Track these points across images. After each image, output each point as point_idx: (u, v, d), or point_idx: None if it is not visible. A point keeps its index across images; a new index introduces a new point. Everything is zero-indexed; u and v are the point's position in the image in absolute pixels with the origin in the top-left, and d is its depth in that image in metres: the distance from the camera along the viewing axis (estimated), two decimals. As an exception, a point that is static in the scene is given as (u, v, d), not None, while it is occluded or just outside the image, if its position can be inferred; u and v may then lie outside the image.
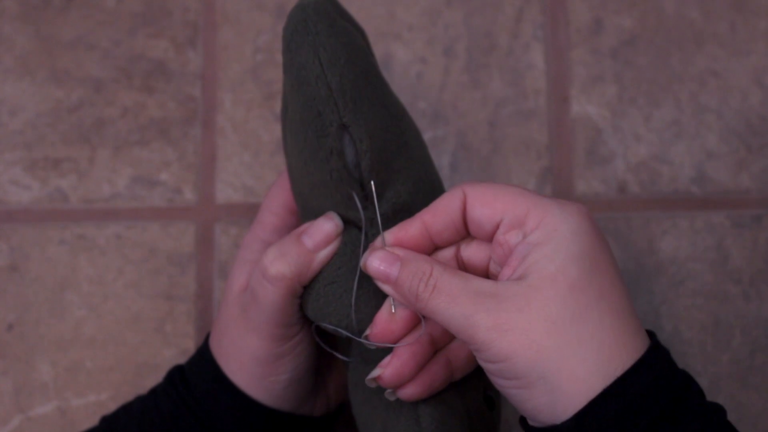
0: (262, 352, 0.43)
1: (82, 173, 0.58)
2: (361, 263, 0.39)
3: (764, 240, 0.57)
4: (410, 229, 0.39)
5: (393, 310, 0.40)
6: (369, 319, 0.40)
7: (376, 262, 0.39)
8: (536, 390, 0.35)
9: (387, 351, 0.40)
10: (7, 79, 0.59)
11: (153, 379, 0.56)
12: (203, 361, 0.46)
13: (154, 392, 0.47)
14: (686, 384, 0.36)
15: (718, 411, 0.36)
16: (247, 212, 0.58)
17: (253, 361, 0.44)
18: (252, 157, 0.58)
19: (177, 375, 0.46)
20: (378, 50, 0.59)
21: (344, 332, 0.41)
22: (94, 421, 0.55)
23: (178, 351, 0.56)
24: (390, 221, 0.40)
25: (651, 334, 0.37)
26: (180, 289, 0.57)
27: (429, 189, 0.42)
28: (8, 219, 0.58)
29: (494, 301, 0.36)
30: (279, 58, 0.59)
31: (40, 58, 0.60)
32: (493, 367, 0.36)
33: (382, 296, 0.40)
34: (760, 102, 0.58)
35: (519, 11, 0.60)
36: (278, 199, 0.46)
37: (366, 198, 0.40)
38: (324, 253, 0.41)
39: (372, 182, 0.39)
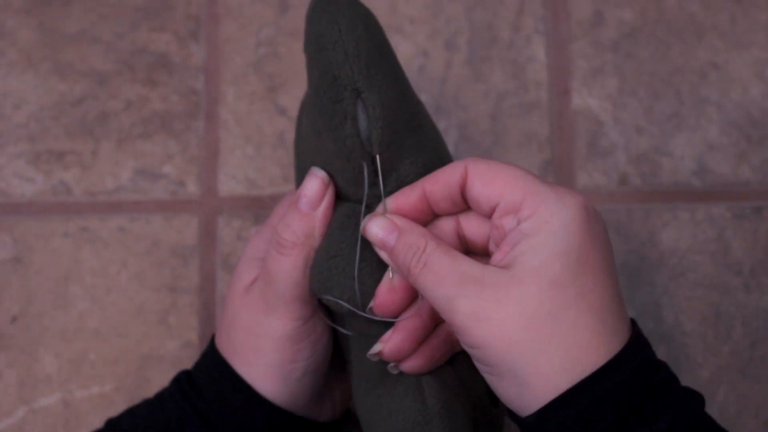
0: (282, 331, 0.43)
1: (85, 166, 0.58)
2: (361, 227, 0.40)
3: (765, 231, 0.57)
4: (411, 195, 0.40)
5: (391, 276, 0.40)
6: (371, 292, 0.41)
7: (375, 228, 0.39)
8: (506, 381, 0.36)
9: (388, 326, 0.40)
10: (10, 73, 0.60)
11: (157, 370, 0.56)
12: (211, 361, 0.46)
13: (160, 395, 0.46)
14: (661, 381, 0.36)
15: (692, 405, 0.36)
16: (250, 205, 0.58)
17: (272, 345, 0.43)
18: (255, 150, 0.59)
19: (184, 378, 0.46)
20: (380, 43, 0.59)
21: (346, 305, 0.41)
22: (98, 412, 0.55)
23: (181, 343, 0.56)
24: None
25: (633, 324, 0.37)
26: (183, 281, 0.57)
27: None
28: (12, 211, 0.58)
29: (476, 288, 0.36)
30: (281, 51, 0.60)
31: (43, 52, 0.60)
32: (471, 352, 0.37)
33: (385, 269, 0.40)
34: (761, 94, 0.59)
35: (520, 4, 0.60)
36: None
37: (375, 173, 0.40)
38: (321, 209, 0.42)
39: (378, 156, 0.40)
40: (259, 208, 0.58)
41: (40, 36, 0.60)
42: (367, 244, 0.41)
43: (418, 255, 0.38)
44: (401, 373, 0.41)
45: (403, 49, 0.59)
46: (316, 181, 0.42)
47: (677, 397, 0.36)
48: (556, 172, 0.58)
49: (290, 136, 0.59)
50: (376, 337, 0.41)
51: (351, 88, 0.39)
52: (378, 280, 0.41)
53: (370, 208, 0.41)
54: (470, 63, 0.59)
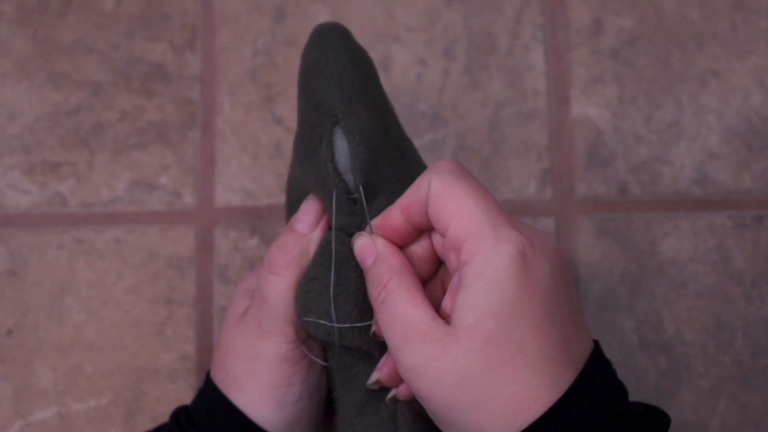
0: (276, 353, 0.43)
1: (80, 177, 0.58)
2: (352, 242, 0.41)
3: (766, 241, 0.56)
4: (392, 214, 0.40)
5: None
6: (347, 315, 0.41)
7: (357, 246, 0.40)
8: (452, 431, 0.36)
9: (363, 357, 0.40)
10: (5, 83, 0.59)
11: (153, 383, 0.56)
12: (206, 394, 0.45)
13: (158, 430, 0.46)
14: (613, 417, 0.35)
15: None
16: (247, 215, 0.58)
17: (267, 367, 0.43)
18: (251, 160, 0.58)
19: (182, 413, 0.46)
20: (377, 52, 0.59)
21: (321, 328, 0.41)
22: (94, 426, 0.55)
23: (177, 355, 0.56)
24: (371, 228, 0.41)
25: (594, 349, 0.37)
26: (180, 293, 0.57)
27: None
28: (7, 223, 0.58)
29: (420, 342, 0.35)
30: (278, 60, 0.59)
31: (38, 62, 0.59)
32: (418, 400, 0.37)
33: (361, 294, 0.40)
34: (761, 102, 0.58)
35: (518, 12, 0.60)
36: None
37: (352, 202, 0.41)
38: (317, 234, 0.43)
39: (359, 182, 0.40)
40: (256, 219, 0.57)
41: (34, 46, 0.60)
42: (342, 270, 0.41)
43: (379, 290, 0.38)
44: (378, 405, 0.41)
45: (400, 58, 0.59)
46: (313, 205, 0.43)
47: (633, 428, 0.35)
48: (555, 182, 0.58)
49: (287, 145, 0.58)
50: (351, 367, 0.41)
51: (331, 114, 0.39)
52: (354, 305, 0.41)
53: (349, 236, 0.41)
54: (468, 71, 0.59)
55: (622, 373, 0.55)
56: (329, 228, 0.43)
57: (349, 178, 0.40)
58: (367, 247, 0.40)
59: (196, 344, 0.56)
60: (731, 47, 0.59)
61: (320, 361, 0.44)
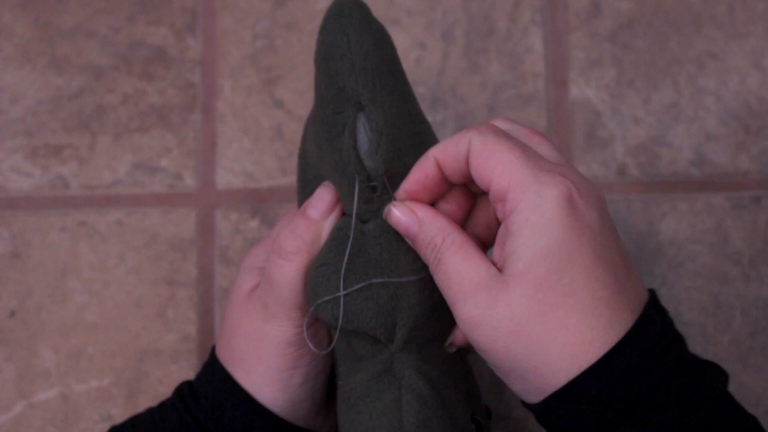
0: (282, 337, 0.43)
1: (82, 160, 0.58)
2: (384, 213, 0.40)
3: (763, 221, 0.57)
4: (426, 167, 0.39)
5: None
6: (356, 304, 0.40)
7: (398, 213, 0.39)
8: (511, 378, 0.37)
9: (372, 334, 0.40)
10: (7, 67, 0.60)
11: (155, 364, 0.56)
12: (211, 371, 0.45)
13: (162, 405, 0.46)
14: (671, 363, 0.35)
15: (705, 387, 0.35)
16: (248, 197, 0.58)
17: (273, 350, 0.43)
18: (252, 143, 0.59)
19: (186, 388, 0.46)
20: (377, 35, 0.59)
21: (328, 315, 0.41)
22: (96, 406, 0.55)
23: (179, 336, 0.56)
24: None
25: (650, 297, 0.37)
26: (181, 275, 0.57)
27: None
28: (9, 206, 0.58)
29: (474, 294, 0.36)
30: (278, 44, 0.60)
31: (40, 46, 0.60)
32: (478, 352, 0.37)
33: (369, 279, 0.40)
34: (759, 84, 0.58)
35: (517, -5, 0.60)
36: None
37: (371, 189, 0.40)
38: (330, 221, 0.42)
39: (383, 168, 0.39)
40: (256, 201, 0.58)
41: (36, 30, 0.60)
42: (355, 257, 0.40)
43: (435, 252, 0.38)
44: (384, 390, 0.41)
45: (400, 41, 0.59)
46: (328, 192, 0.42)
47: (689, 379, 0.35)
48: (554, 163, 0.58)
49: (288, 128, 0.58)
50: (359, 350, 0.41)
51: (354, 101, 0.39)
52: (361, 290, 0.40)
53: (364, 222, 0.41)
54: (467, 54, 0.59)
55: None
56: (343, 215, 0.42)
57: (371, 165, 0.39)
58: (408, 214, 0.39)
59: (197, 325, 0.56)
60: (729, 30, 0.59)
61: (317, 350, 0.43)
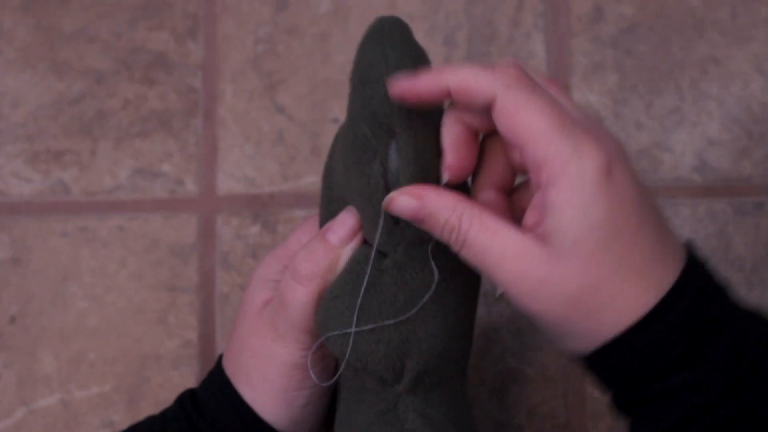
0: (288, 359, 0.42)
1: (83, 165, 0.58)
2: (383, 206, 0.38)
3: (766, 227, 0.57)
4: (457, 130, 0.38)
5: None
6: (366, 344, 0.40)
7: (400, 202, 0.38)
8: (563, 339, 0.37)
9: (380, 375, 0.40)
10: (8, 72, 0.59)
11: (156, 370, 0.56)
12: (216, 383, 0.45)
13: (163, 414, 0.46)
14: (715, 315, 0.36)
15: (751, 334, 0.36)
16: (249, 203, 0.58)
17: (279, 371, 0.43)
18: (253, 148, 0.58)
19: (188, 398, 0.45)
20: (378, 40, 0.59)
21: (337, 349, 0.40)
22: (97, 412, 0.55)
23: (180, 342, 0.56)
24: (407, 251, 0.40)
25: (688, 252, 0.37)
26: (182, 280, 0.57)
27: None
28: (10, 211, 0.58)
29: (518, 264, 0.36)
30: (279, 48, 0.59)
31: (41, 51, 0.60)
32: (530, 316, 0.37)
33: (381, 319, 0.40)
34: (762, 89, 0.58)
35: (519, 0, 0.60)
36: (310, 234, 0.45)
37: (395, 220, 0.39)
38: (349, 248, 0.41)
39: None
40: (258, 207, 0.58)
41: (37, 35, 0.60)
42: (368, 292, 0.40)
43: (455, 235, 0.37)
44: (386, 430, 0.41)
45: (402, 46, 0.59)
46: (351, 218, 0.41)
47: (734, 328, 0.36)
48: (557, 169, 0.58)
49: (289, 133, 0.58)
50: (364, 383, 0.41)
51: (387, 127, 0.38)
52: (372, 331, 0.40)
53: (383, 255, 0.40)
54: (469, 59, 0.59)
55: (623, 359, 0.56)
56: (363, 242, 0.41)
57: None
58: (410, 199, 0.38)
59: (198, 331, 0.56)
60: (731, 34, 0.59)
61: (320, 382, 0.43)
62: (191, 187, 0.58)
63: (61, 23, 0.60)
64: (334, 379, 0.43)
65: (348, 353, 0.40)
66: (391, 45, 0.38)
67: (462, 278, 0.41)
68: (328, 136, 0.58)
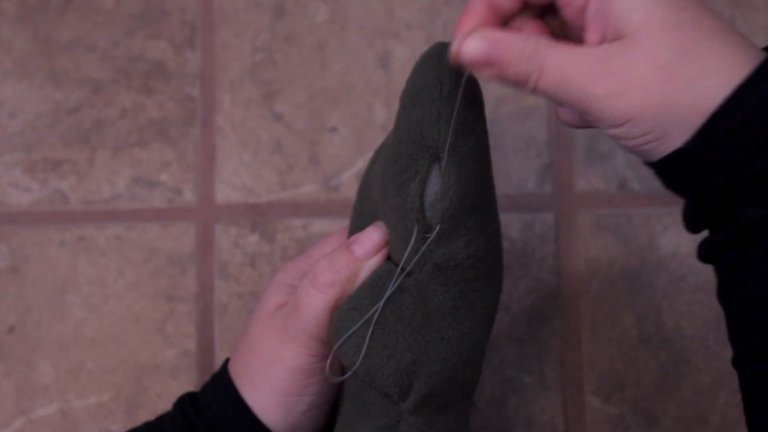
0: (294, 363, 0.42)
1: (81, 174, 0.58)
2: (453, 50, 0.37)
3: None
4: (477, 5, 0.38)
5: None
6: (377, 358, 0.40)
7: (475, 43, 0.36)
8: (671, 137, 0.35)
9: (386, 391, 0.40)
10: (6, 81, 0.59)
11: (154, 379, 0.56)
12: (219, 384, 0.45)
13: (161, 418, 0.46)
14: None
15: None
16: (247, 212, 0.58)
17: (282, 374, 0.43)
18: (251, 157, 0.58)
19: (187, 400, 0.45)
20: (376, 49, 0.59)
21: (349, 361, 0.40)
22: (96, 422, 0.55)
23: (179, 351, 0.56)
24: (432, 273, 0.40)
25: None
26: (180, 290, 0.57)
27: (487, 265, 0.41)
28: (8, 221, 0.58)
29: (602, 66, 0.35)
30: (277, 57, 0.59)
31: (38, 60, 0.60)
32: (620, 131, 0.36)
33: (396, 339, 0.39)
34: (760, 97, 0.58)
35: (517, 8, 0.60)
36: (334, 246, 0.45)
37: (424, 240, 0.39)
38: (372, 262, 0.41)
39: (438, 224, 0.39)
40: (256, 215, 0.58)
41: (35, 44, 0.60)
42: (385, 308, 0.40)
43: (533, 60, 0.36)
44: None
45: (400, 55, 0.59)
46: (378, 233, 0.41)
47: None
48: (555, 177, 0.58)
49: (287, 142, 0.58)
50: (369, 397, 0.41)
51: (433, 150, 0.38)
52: (385, 347, 0.40)
53: (407, 274, 0.40)
54: (467, 68, 0.59)
55: (621, 368, 0.56)
56: (387, 259, 0.41)
57: (431, 215, 0.39)
58: (481, 40, 0.36)
59: (197, 340, 0.56)
60: (730, 42, 0.59)
61: (335, 378, 0.43)
62: (189, 196, 0.58)
63: (59, 32, 0.60)
64: (341, 378, 0.43)
65: (358, 364, 0.40)
66: (448, 73, 0.38)
67: (482, 306, 0.41)
68: (325, 144, 0.58)
